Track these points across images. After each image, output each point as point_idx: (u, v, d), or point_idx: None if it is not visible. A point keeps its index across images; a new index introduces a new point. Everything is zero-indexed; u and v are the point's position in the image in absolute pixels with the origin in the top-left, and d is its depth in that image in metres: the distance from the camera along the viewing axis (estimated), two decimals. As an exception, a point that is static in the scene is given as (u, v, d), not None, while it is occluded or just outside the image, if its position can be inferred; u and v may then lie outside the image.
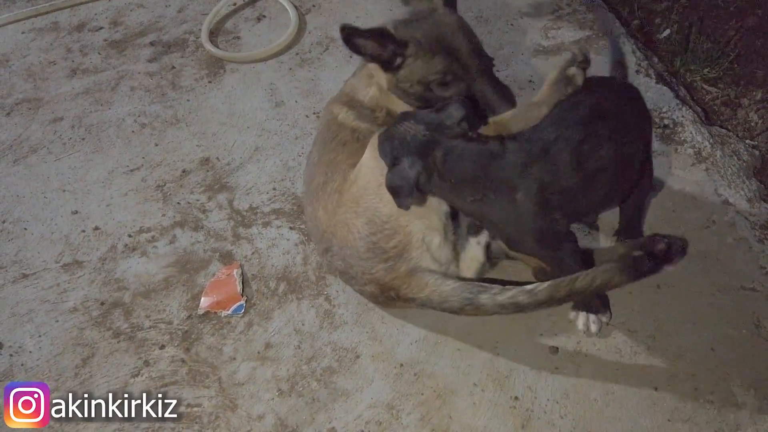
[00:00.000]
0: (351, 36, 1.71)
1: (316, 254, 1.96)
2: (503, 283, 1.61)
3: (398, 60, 1.77)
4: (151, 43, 2.80)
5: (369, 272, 1.68)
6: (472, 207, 1.58)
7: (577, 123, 1.53)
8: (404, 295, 1.67)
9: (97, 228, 2.14)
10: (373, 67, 1.83)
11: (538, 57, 2.53)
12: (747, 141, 2.27)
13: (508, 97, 1.79)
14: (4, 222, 2.18)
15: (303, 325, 1.85)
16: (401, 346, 1.77)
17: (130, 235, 2.11)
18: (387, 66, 1.79)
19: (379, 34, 1.74)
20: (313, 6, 2.91)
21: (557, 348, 1.71)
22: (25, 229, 2.16)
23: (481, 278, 1.77)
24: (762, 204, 2.01)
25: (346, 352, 1.78)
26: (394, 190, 1.55)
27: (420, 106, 1.77)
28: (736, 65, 2.52)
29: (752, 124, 2.34)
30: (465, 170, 1.54)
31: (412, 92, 1.80)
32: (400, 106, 1.83)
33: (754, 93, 2.44)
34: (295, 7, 2.86)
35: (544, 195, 1.52)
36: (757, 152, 2.21)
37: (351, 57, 2.66)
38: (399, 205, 1.57)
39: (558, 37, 2.60)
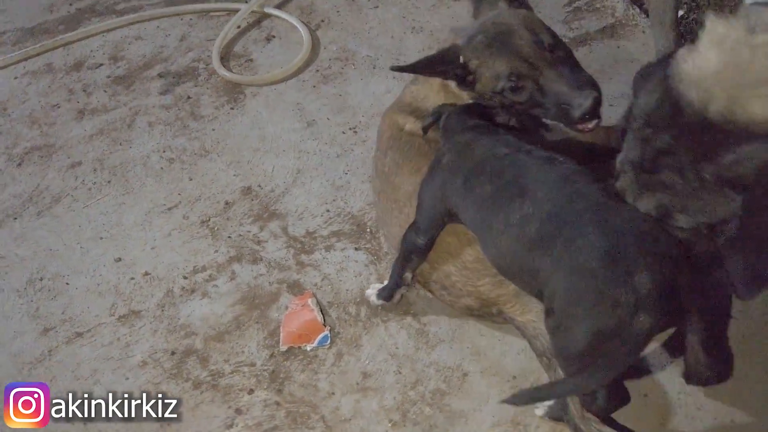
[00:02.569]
0: (402, 71, 1.70)
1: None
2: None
3: (470, 77, 1.66)
4: (160, 75, 2.66)
5: (473, 284, 1.59)
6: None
7: None
8: (507, 312, 1.59)
9: (147, 273, 1.99)
10: (450, 83, 1.72)
11: (568, 49, 2.50)
12: None
13: (582, 86, 1.55)
14: (41, 279, 2.00)
15: (397, 348, 1.74)
16: (508, 358, 1.69)
17: (185, 277, 1.97)
18: (462, 83, 1.68)
19: (427, 63, 1.68)
20: (322, 21, 2.82)
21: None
22: (68, 284, 1.99)
23: None
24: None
25: (451, 371, 1.68)
26: None
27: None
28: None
29: None
30: None
31: (495, 105, 1.66)
32: None
33: None
34: (304, 23, 2.77)
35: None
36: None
37: (374, 68, 2.59)
38: None
39: (582, 27, 2.58)
